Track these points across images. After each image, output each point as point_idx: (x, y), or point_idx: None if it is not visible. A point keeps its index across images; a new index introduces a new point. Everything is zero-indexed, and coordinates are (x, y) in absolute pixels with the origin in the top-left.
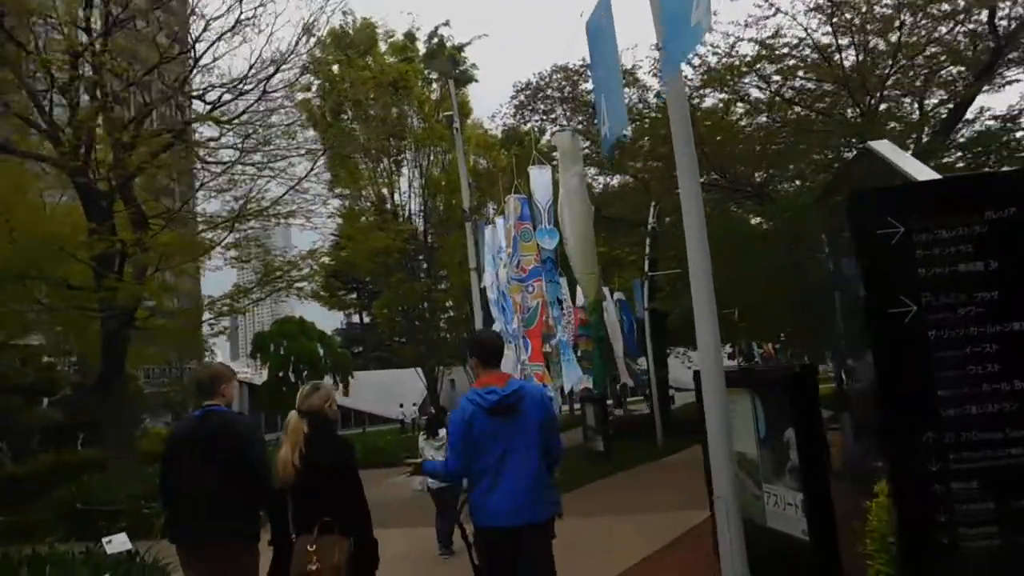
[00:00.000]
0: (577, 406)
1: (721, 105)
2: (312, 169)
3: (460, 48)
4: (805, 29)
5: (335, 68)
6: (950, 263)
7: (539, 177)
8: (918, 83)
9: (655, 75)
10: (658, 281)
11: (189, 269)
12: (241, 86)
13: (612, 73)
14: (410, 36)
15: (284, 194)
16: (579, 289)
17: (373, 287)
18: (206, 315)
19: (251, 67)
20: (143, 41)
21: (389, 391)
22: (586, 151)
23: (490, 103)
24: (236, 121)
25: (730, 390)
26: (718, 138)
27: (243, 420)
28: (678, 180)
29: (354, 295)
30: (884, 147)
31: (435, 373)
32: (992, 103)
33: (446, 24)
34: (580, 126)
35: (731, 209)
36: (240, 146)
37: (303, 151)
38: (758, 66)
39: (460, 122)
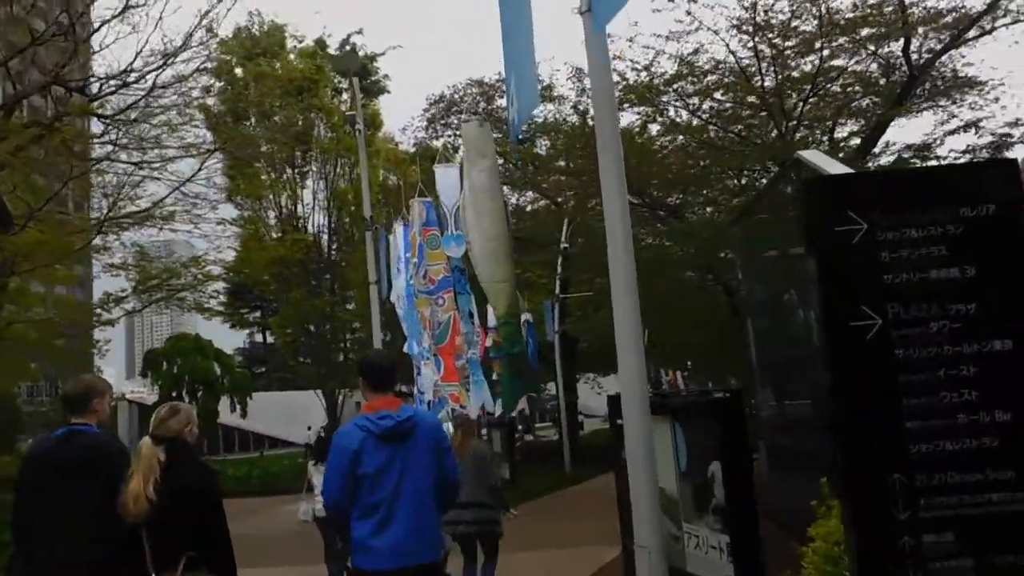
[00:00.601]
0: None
1: (639, 123)
2: (200, 169)
3: (372, 58)
4: (727, 46)
5: (238, 71)
6: (920, 268)
7: (445, 177)
8: (830, 112)
9: (572, 86)
10: (568, 304)
11: (59, 275)
12: (125, 78)
13: (524, 43)
14: (321, 43)
15: (166, 196)
16: (489, 307)
17: (276, 305)
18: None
19: (136, 55)
20: (13, 22)
21: (290, 413)
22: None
23: (403, 117)
24: (120, 118)
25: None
26: (634, 161)
27: (114, 444)
28: (601, 179)
29: (258, 313)
30: (814, 156)
31: (336, 396)
32: (903, 136)
33: (359, 32)
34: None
35: (642, 232)
36: (115, 141)
37: (193, 152)
38: (677, 84)
39: (369, 133)
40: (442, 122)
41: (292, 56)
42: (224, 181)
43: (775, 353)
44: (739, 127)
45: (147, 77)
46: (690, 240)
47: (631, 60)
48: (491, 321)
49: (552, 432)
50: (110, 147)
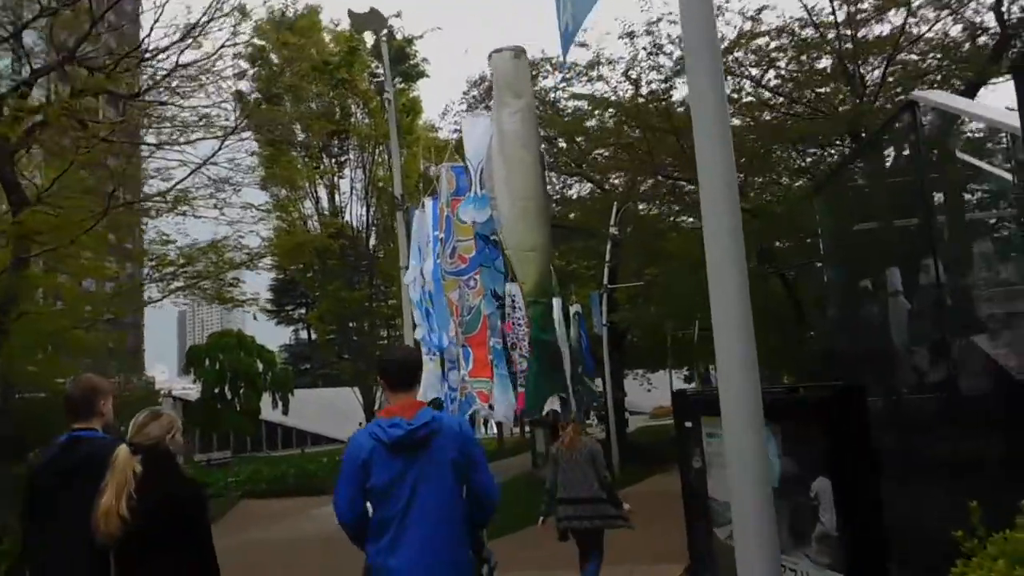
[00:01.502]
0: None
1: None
2: (220, 148)
3: (410, 40)
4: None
5: (273, 56)
6: None
7: (473, 128)
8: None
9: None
10: (616, 297)
11: (89, 266)
12: (141, 54)
13: None
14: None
15: (185, 177)
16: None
17: (317, 299)
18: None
19: (151, 28)
20: None
21: (333, 410)
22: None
23: (445, 100)
24: (142, 99)
25: (715, 419)
26: (683, 142)
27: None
28: (697, 143)
29: (303, 310)
30: (935, 95)
31: (373, 392)
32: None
33: (397, 15)
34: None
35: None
36: (121, 119)
37: (218, 132)
38: (737, 52)
39: (408, 119)
40: (484, 105)
41: (327, 37)
42: (252, 162)
43: (877, 339)
44: (807, 97)
45: (168, 55)
46: (752, 221)
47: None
48: (518, 303)
49: (598, 430)
50: (125, 126)
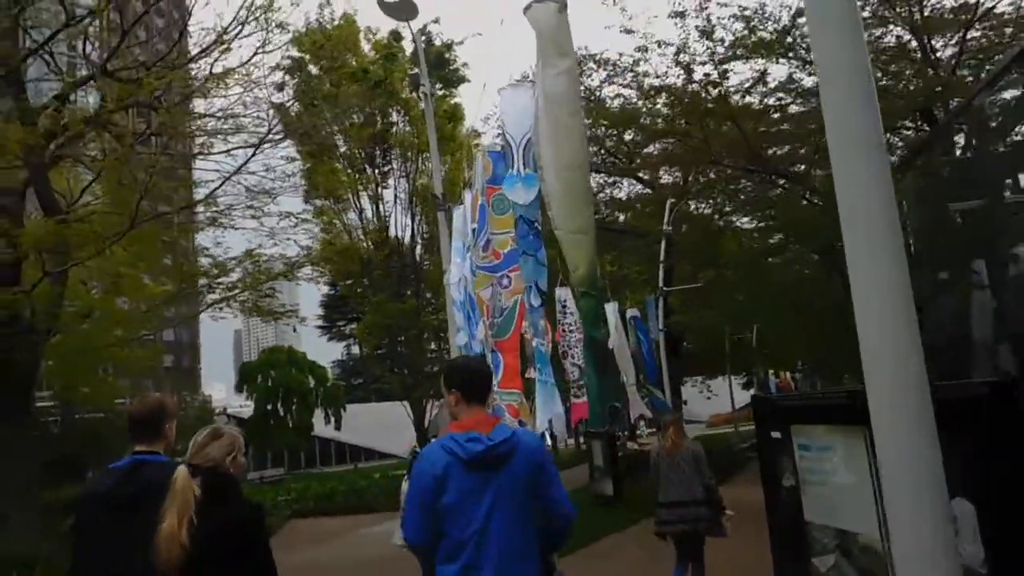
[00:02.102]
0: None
1: (749, 81)
2: (253, 154)
3: (450, 45)
4: None
5: (312, 68)
6: None
7: (513, 100)
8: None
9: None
10: (670, 300)
11: (128, 285)
12: (171, 63)
13: None
14: (395, 35)
15: (219, 186)
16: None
17: (363, 312)
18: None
19: (179, 36)
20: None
21: (384, 425)
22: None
23: (487, 107)
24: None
25: (826, 427)
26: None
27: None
28: (826, 115)
29: (354, 325)
30: None
31: (423, 406)
32: None
33: (435, 21)
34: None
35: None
36: (148, 130)
37: (254, 140)
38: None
39: (450, 126)
40: (478, 150)
41: (366, 47)
42: (289, 169)
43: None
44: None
45: (201, 64)
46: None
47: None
48: (569, 307)
49: (655, 440)
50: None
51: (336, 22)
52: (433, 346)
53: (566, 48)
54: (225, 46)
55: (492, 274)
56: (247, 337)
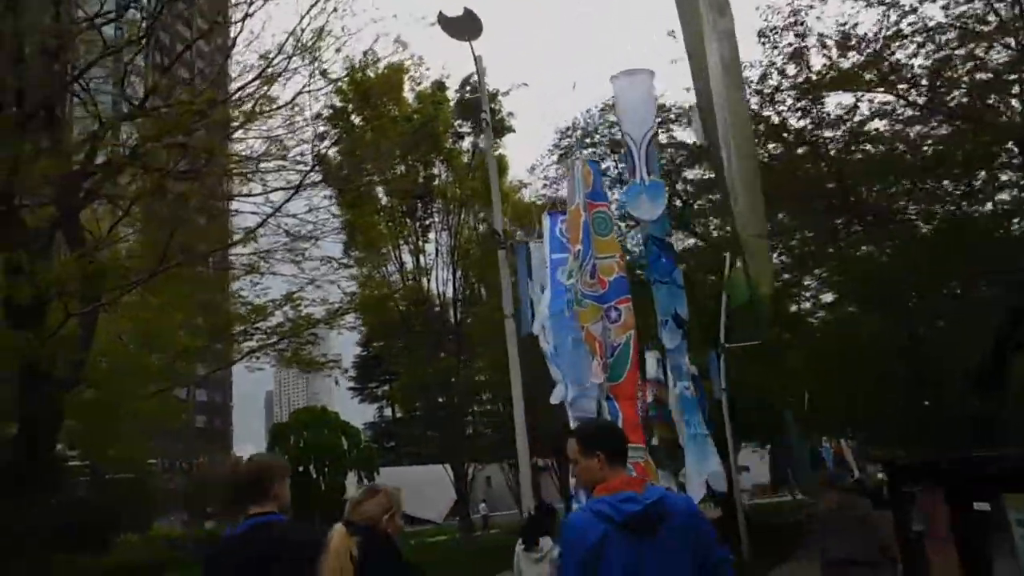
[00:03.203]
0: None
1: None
2: (291, 197)
3: (495, 95)
4: None
5: (355, 118)
6: None
7: (628, 91)
8: None
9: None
10: (728, 358)
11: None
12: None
13: None
14: (439, 84)
15: (257, 226)
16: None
17: (399, 371)
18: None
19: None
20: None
21: (418, 489)
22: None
23: (532, 156)
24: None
25: None
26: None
27: (312, 535)
28: None
29: (387, 387)
30: None
31: (464, 469)
32: None
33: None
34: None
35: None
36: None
37: (293, 180)
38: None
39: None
40: (575, 157)
41: (410, 98)
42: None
43: None
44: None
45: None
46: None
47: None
48: (650, 371)
49: (710, 507)
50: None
51: (380, 69)
52: (474, 409)
53: (724, 5)
54: (268, 80)
55: (599, 304)
56: (279, 398)
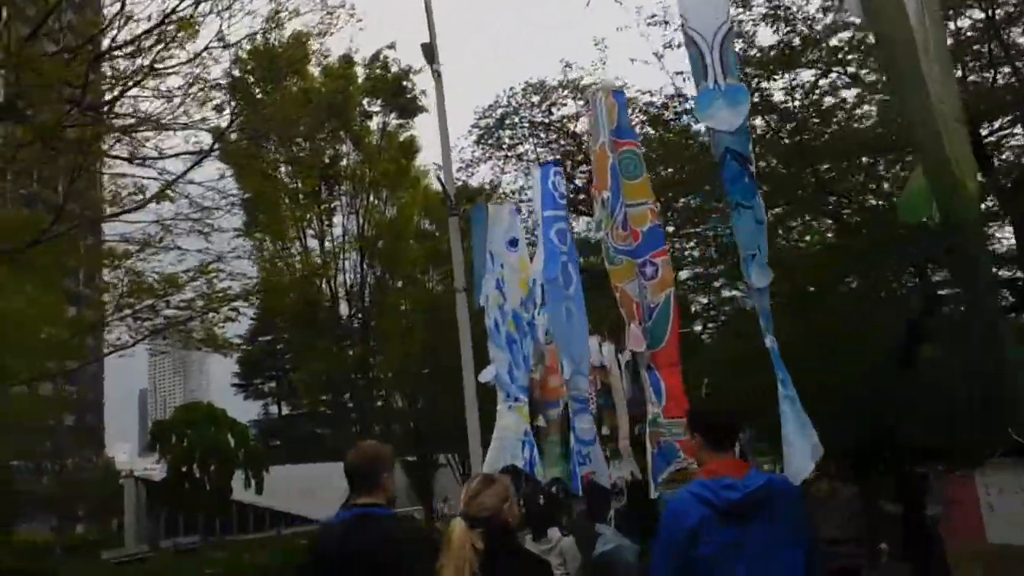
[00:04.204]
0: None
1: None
2: (189, 169)
3: (407, 72)
4: None
5: (256, 91)
6: None
7: None
8: None
9: None
10: None
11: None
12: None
13: None
14: (348, 59)
15: (158, 193)
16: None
17: (295, 366)
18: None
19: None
20: None
21: (309, 488)
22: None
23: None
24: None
25: None
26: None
27: (418, 529)
28: None
29: (273, 383)
30: None
31: None
32: None
33: (391, 47)
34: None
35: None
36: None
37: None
38: None
39: (405, 162)
40: (491, 142)
41: (316, 72)
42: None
43: None
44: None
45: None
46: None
47: None
48: (593, 355)
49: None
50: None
51: (286, 43)
52: (382, 402)
53: None
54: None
55: (633, 258)
56: (154, 396)
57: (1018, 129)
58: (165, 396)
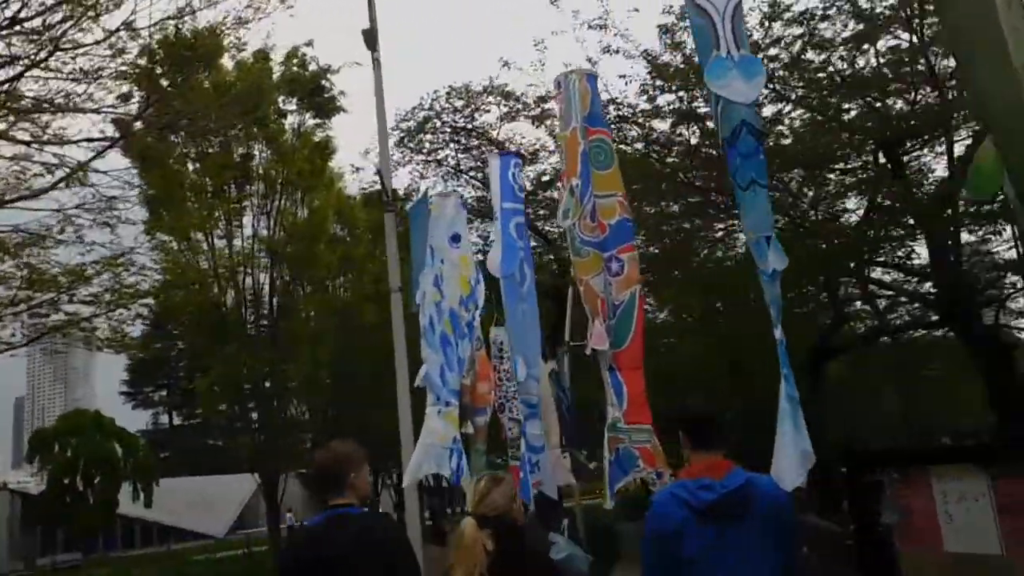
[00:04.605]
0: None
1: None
2: (92, 159)
3: (326, 70)
4: None
5: (164, 82)
6: None
7: None
8: None
9: None
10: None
11: None
12: None
13: None
14: (262, 54)
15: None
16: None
17: (195, 370)
18: None
19: None
20: None
21: (201, 501)
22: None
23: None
24: None
25: None
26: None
27: (396, 526)
28: None
29: (164, 392)
30: None
31: (277, 478)
32: None
33: (308, 44)
34: (469, 175)
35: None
36: None
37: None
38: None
39: (320, 163)
40: (411, 145)
41: (229, 66)
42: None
43: None
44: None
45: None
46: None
47: None
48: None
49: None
50: None
51: (199, 33)
52: (288, 412)
53: None
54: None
55: (600, 252)
56: (32, 404)
57: (939, 148)
58: (44, 404)
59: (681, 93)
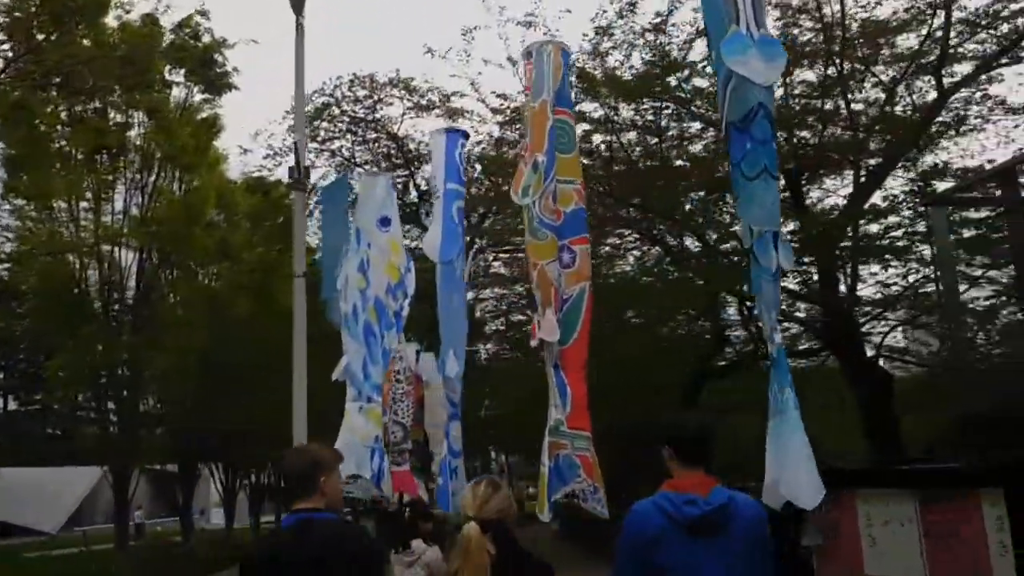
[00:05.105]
0: None
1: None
2: None
3: (220, 43)
4: None
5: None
6: None
7: None
8: None
9: None
10: None
11: None
12: None
13: None
14: (151, 18)
15: None
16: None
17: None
18: None
19: None
20: None
21: (31, 496)
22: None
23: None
24: None
25: None
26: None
27: (365, 533)
28: None
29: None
30: None
31: (129, 471)
32: None
33: (203, 14)
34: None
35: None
36: None
37: None
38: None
39: (205, 140)
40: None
41: (113, 25)
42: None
43: None
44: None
45: None
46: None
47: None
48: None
49: None
50: None
51: None
52: (148, 402)
53: None
54: None
55: (556, 236)
56: None
57: (836, 182)
58: None
59: (607, 100)
